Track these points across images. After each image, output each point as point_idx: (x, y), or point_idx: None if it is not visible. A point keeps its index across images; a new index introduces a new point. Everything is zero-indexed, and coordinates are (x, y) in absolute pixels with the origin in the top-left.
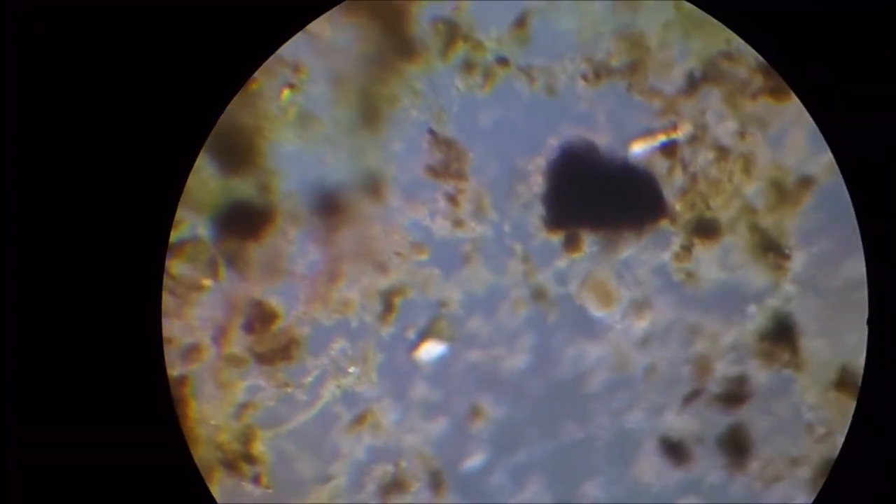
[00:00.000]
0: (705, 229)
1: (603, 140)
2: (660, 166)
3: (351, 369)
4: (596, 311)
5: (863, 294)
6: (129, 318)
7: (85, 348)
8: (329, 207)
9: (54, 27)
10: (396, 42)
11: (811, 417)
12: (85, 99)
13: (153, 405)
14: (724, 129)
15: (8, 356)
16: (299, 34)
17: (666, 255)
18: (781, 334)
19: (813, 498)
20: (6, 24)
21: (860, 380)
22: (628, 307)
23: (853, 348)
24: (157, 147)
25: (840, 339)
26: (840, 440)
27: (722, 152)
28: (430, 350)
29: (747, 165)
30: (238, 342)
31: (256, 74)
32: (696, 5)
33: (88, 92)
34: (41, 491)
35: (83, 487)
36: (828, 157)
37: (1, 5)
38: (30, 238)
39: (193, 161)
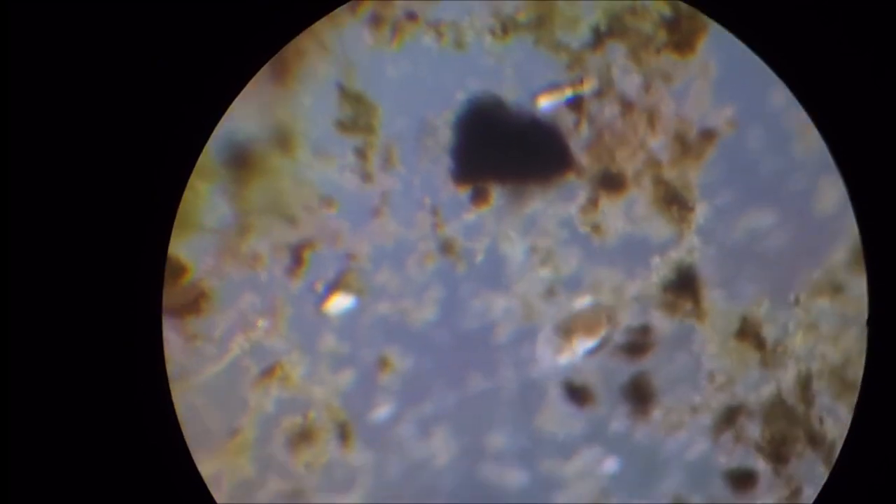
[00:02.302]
0: (611, 182)
1: (510, 94)
2: (566, 120)
3: (260, 323)
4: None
5: (763, 244)
6: (130, 318)
7: (85, 347)
8: (239, 161)
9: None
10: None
11: (712, 366)
12: (85, 95)
13: (153, 405)
14: (630, 84)
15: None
16: None
17: (572, 208)
18: (684, 285)
19: (813, 498)
20: (6, 24)
21: (860, 380)
22: (535, 259)
23: (753, 299)
24: (157, 145)
25: (740, 290)
26: (740, 389)
27: (627, 106)
28: (339, 303)
29: (652, 119)
30: None
31: None
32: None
33: (88, 89)
34: (41, 491)
35: (83, 487)
36: (730, 110)
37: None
38: (29, 237)
39: (195, 160)
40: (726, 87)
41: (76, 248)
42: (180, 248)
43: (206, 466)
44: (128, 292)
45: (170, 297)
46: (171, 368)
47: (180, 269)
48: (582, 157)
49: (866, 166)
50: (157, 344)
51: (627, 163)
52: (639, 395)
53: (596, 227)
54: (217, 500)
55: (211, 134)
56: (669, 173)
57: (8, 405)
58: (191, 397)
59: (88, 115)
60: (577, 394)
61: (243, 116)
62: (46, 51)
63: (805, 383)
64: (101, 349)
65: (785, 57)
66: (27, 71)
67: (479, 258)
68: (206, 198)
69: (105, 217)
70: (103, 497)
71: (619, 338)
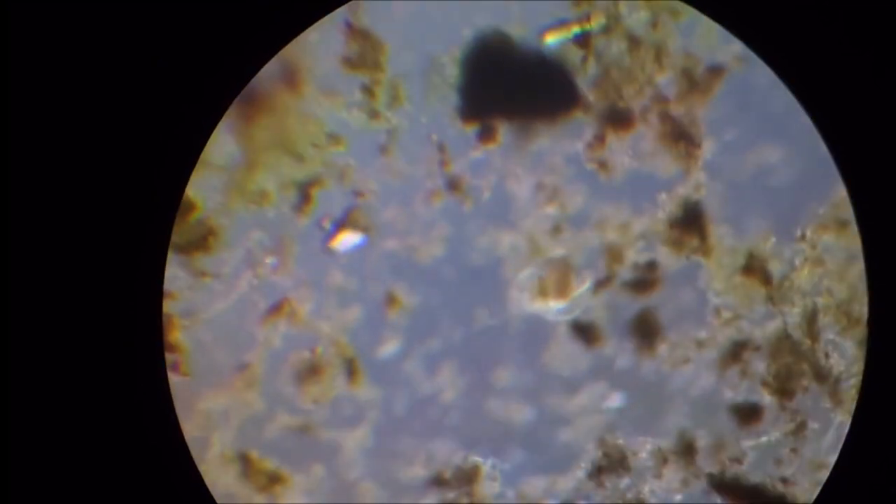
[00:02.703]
0: (618, 119)
1: (517, 31)
2: (573, 57)
3: (268, 260)
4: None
5: (769, 182)
6: (130, 317)
7: (84, 347)
8: (246, 98)
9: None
10: None
11: (717, 302)
12: (85, 95)
13: (153, 405)
14: (637, 20)
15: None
16: None
17: (579, 145)
18: (690, 221)
19: (814, 498)
20: (6, 24)
21: (861, 379)
22: (541, 196)
23: (759, 234)
24: (157, 145)
25: (747, 226)
26: (746, 325)
27: (634, 42)
28: (347, 240)
29: (659, 55)
30: None
31: None
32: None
33: (87, 88)
34: (41, 491)
35: (83, 487)
36: (738, 46)
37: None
38: (29, 236)
39: (195, 159)
40: None
41: (76, 247)
42: (189, 185)
43: (215, 402)
44: (128, 292)
45: (178, 233)
46: (178, 306)
47: (189, 206)
48: (589, 94)
49: (867, 166)
50: (158, 343)
51: (634, 99)
52: (645, 330)
53: (602, 164)
54: (217, 500)
55: (211, 134)
56: (676, 109)
57: (8, 405)
58: (200, 333)
59: (88, 114)
60: (583, 330)
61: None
62: (46, 51)
63: (811, 318)
64: (101, 349)
65: (784, 57)
66: (27, 71)
67: (486, 195)
68: (213, 135)
69: (105, 217)
70: (103, 497)
71: (625, 274)
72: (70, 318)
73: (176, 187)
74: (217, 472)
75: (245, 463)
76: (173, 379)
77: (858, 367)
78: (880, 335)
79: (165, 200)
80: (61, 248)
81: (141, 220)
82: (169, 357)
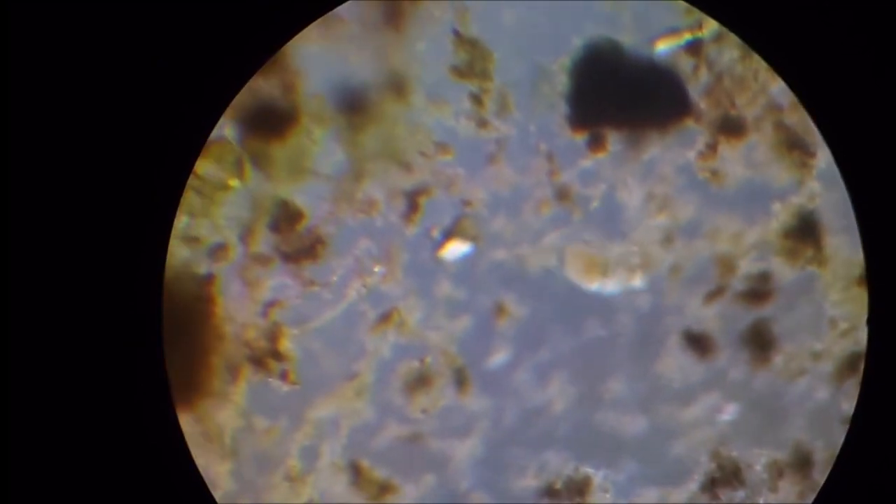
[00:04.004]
0: (730, 127)
1: (628, 39)
2: (685, 65)
3: (376, 268)
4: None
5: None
6: (130, 316)
7: (84, 347)
8: (354, 107)
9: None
10: None
11: (834, 313)
12: (85, 95)
13: (153, 405)
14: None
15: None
16: None
17: (691, 154)
18: (805, 231)
19: (813, 498)
20: (6, 24)
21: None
22: (652, 206)
23: None
24: (157, 145)
25: None
26: (862, 335)
27: (747, 50)
28: (455, 249)
29: None
30: (265, 241)
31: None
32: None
33: (88, 88)
34: (41, 491)
35: (83, 487)
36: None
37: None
38: (29, 236)
39: (195, 159)
40: None
41: (75, 247)
42: (296, 193)
43: (324, 409)
44: (128, 292)
45: (286, 242)
46: (286, 314)
47: (297, 215)
48: (700, 102)
49: (867, 166)
50: (158, 343)
51: (747, 108)
52: (759, 341)
53: (715, 173)
54: (217, 501)
55: (210, 134)
56: (790, 118)
57: (8, 404)
58: (308, 342)
59: (88, 114)
60: (696, 341)
61: (358, 61)
62: (46, 50)
63: None
64: (101, 348)
65: (787, 57)
66: (27, 70)
67: (595, 205)
68: (320, 143)
69: (105, 217)
70: (103, 497)
71: (738, 285)
72: (70, 318)
73: (176, 187)
74: (328, 481)
75: (355, 472)
76: (283, 388)
77: None
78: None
79: (165, 200)
80: (61, 248)
81: (141, 220)
82: (278, 366)
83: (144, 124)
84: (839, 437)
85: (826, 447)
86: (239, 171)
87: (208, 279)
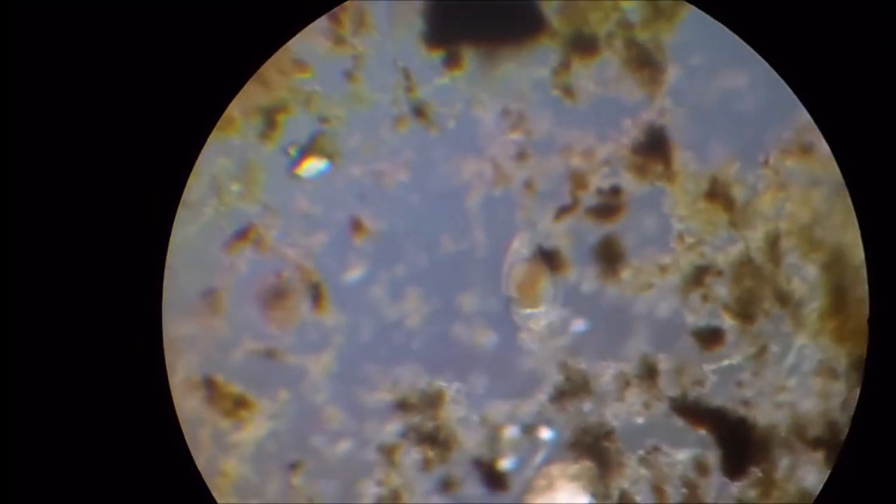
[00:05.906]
0: (583, 45)
1: None
2: None
3: (234, 186)
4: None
5: (734, 107)
6: (130, 316)
7: (84, 347)
8: None
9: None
10: None
11: (681, 227)
12: (85, 95)
13: (153, 404)
14: None
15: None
16: None
17: (544, 71)
18: (655, 147)
19: (814, 498)
20: (6, 24)
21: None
22: (507, 123)
23: (723, 160)
24: (157, 145)
25: (711, 152)
26: (709, 250)
27: None
28: (312, 166)
29: None
30: None
31: None
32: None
33: (88, 88)
34: (41, 491)
35: (83, 487)
36: None
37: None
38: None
39: (195, 159)
40: None
41: (75, 247)
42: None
43: (182, 328)
44: (127, 293)
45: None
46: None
47: None
48: (554, 20)
49: (868, 166)
50: (157, 343)
51: (600, 25)
52: (608, 256)
53: (568, 90)
54: (217, 501)
55: (210, 133)
56: (642, 35)
57: (8, 404)
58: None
59: (88, 114)
60: (546, 256)
61: None
62: (46, 50)
63: (773, 243)
64: (101, 348)
65: (784, 55)
66: (27, 70)
67: (452, 122)
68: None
69: (105, 217)
70: (103, 497)
71: (589, 200)
72: (70, 318)
73: (175, 186)
74: (183, 397)
75: (211, 387)
76: None
77: (819, 291)
78: (880, 336)
79: (165, 199)
80: (61, 247)
81: (140, 219)
82: None
83: (144, 124)
84: (685, 348)
85: (671, 359)
86: None
87: None
